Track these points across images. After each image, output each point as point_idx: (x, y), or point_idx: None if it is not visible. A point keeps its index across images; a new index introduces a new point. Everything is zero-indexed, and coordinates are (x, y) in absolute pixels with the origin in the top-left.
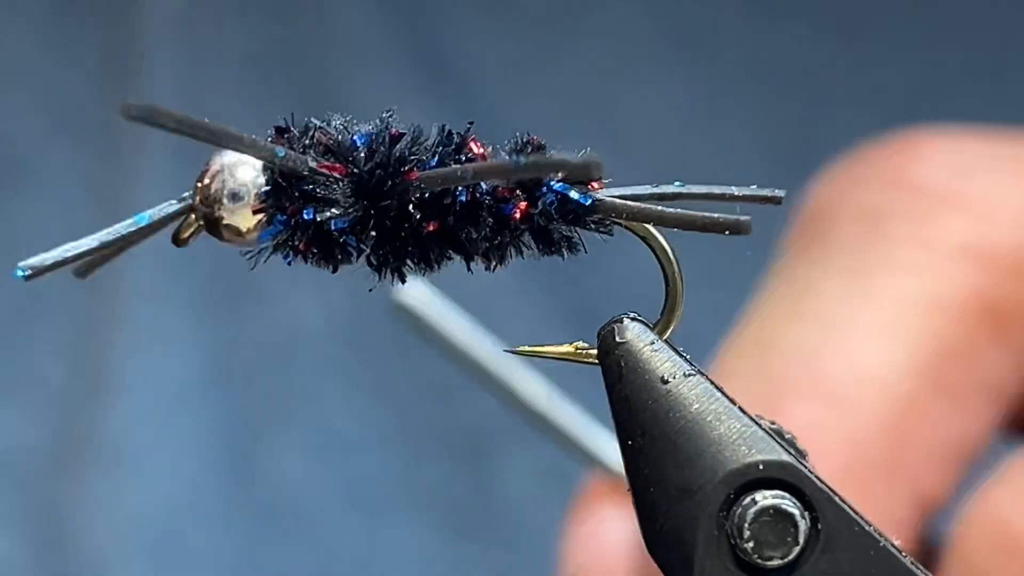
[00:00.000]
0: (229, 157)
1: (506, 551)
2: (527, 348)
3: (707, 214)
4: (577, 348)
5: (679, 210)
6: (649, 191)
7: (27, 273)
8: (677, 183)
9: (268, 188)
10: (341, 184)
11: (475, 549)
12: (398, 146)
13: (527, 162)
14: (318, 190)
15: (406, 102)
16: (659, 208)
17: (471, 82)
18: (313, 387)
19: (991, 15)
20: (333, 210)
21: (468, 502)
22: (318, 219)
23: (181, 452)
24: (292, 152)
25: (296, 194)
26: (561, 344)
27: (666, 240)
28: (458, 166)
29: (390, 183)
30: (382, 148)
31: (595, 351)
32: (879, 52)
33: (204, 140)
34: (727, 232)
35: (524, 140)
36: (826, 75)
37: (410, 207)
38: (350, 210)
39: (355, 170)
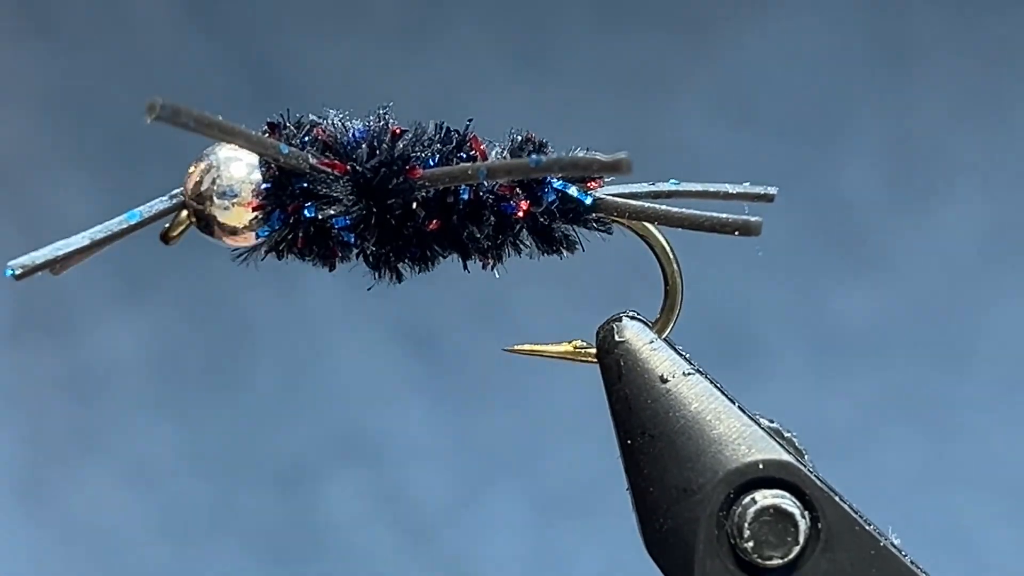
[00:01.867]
0: (222, 152)
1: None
2: (526, 347)
3: (714, 214)
4: (576, 347)
5: (684, 210)
6: (646, 189)
7: (17, 272)
8: (672, 181)
9: (268, 185)
10: (342, 182)
11: (295, 574)
12: (400, 143)
13: (548, 160)
14: (319, 187)
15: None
16: (664, 207)
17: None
18: (122, 417)
19: None
20: (335, 208)
21: (287, 528)
22: (320, 217)
23: None
24: (295, 149)
25: (297, 191)
26: (560, 343)
27: (665, 239)
28: (468, 164)
29: (394, 181)
30: (384, 145)
31: (594, 350)
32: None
33: (217, 137)
34: (736, 233)
35: (524, 137)
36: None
37: (414, 205)
38: (352, 208)
39: (357, 168)
